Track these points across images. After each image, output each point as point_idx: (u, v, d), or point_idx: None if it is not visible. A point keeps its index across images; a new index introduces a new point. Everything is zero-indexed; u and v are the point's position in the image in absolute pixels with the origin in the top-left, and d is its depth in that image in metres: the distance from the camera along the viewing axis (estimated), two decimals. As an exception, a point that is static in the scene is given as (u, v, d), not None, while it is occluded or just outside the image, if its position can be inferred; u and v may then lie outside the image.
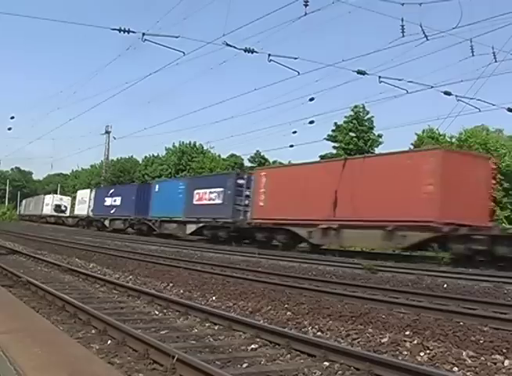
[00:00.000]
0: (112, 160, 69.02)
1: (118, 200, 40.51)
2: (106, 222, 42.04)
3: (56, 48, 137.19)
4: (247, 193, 26.45)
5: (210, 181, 30.31)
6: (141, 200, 36.17)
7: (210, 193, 28.54)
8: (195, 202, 29.74)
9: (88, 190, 50.13)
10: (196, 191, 29.84)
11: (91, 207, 46.06)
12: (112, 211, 41.14)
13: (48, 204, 59.56)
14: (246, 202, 26.34)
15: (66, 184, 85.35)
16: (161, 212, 33.05)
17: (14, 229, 37.91)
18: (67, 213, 57.24)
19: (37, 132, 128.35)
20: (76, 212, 51.33)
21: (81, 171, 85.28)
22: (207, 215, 28.13)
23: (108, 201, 42.20)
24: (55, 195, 64.29)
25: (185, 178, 37.14)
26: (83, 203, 48.82)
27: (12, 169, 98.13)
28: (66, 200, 60.61)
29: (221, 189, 27.69)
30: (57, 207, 58.54)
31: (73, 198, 57.23)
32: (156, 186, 35.91)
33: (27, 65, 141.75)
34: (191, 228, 29.65)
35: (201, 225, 28.80)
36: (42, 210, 60.08)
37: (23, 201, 77.29)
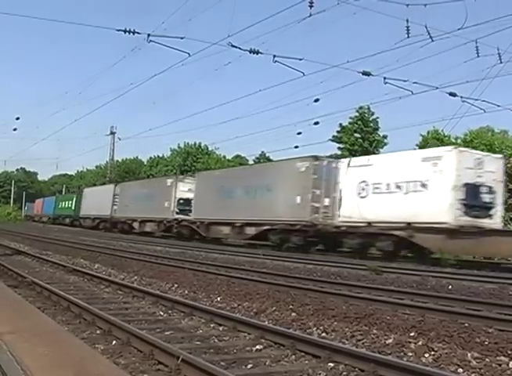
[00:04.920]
0: (117, 160, 69.19)
1: None
2: None
3: (61, 49, 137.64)
4: None
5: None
6: None
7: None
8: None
9: None
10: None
11: None
12: None
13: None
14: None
15: (71, 185, 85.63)
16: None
17: (20, 229, 38.05)
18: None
19: (43, 133, 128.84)
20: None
21: (86, 171, 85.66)
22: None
23: None
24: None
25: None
26: None
27: (17, 170, 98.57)
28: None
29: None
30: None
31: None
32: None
33: (31, 66, 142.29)
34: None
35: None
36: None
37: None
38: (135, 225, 36.24)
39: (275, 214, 23.37)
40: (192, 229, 29.97)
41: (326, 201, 21.48)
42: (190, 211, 30.56)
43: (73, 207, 51.04)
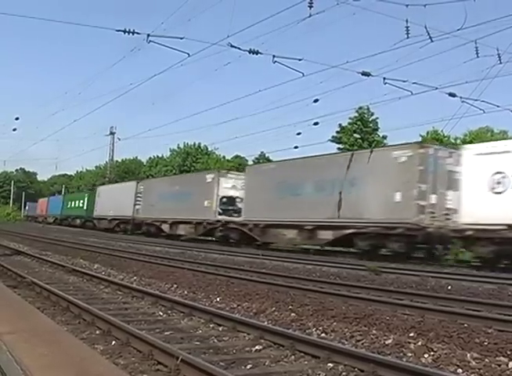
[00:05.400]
0: (116, 161, 69.26)
1: None
2: None
3: (60, 49, 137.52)
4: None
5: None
6: None
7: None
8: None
9: None
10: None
11: None
12: None
13: None
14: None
15: (70, 185, 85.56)
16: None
17: (19, 230, 38.03)
18: None
19: (42, 133, 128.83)
20: None
21: (86, 172, 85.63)
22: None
23: None
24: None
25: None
26: None
27: (16, 170, 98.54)
28: None
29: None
30: None
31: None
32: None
33: (31, 66, 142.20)
34: None
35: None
36: None
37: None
38: (165, 227, 31.93)
39: (363, 214, 19.06)
40: (242, 233, 25.63)
41: (433, 199, 17.71)
42: (235, 211, 27.07)
43: (84, 207, 46.78)
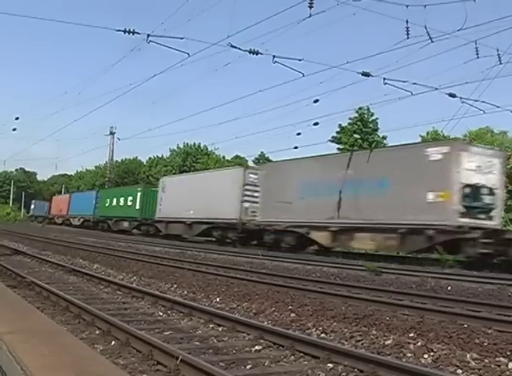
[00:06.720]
0: (116, 161, 69.24)
1: None
2: None
3: (60, 49, 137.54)
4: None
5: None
6: None
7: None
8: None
9: None
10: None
11: None
12: None
13: None
14: None
15: (70, 185, 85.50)
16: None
17: (19, 229, 38.02)
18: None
19: (42, 133, 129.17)
20: None
21: (86, 172, 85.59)
22: None
23: None
24: None
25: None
26: None
27: (16, 170, 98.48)
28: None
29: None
30: None
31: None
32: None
33: (31, 66, 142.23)
34: None
35: None
36: None
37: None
38: (318, 236, 21.21)
39: None
40: None
41: None
42: (482, 209, 17.16)
43: (137, 206, 36.68)
